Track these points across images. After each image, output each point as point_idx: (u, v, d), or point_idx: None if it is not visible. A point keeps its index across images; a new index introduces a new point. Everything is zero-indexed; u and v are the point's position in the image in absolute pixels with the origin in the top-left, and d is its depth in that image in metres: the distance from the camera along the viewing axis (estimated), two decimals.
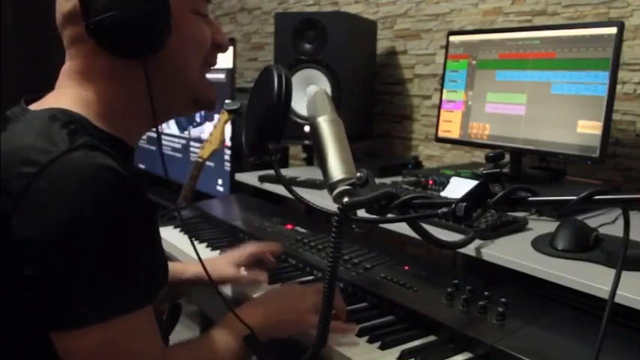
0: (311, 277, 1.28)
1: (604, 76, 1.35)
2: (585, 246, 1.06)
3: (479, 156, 1.91)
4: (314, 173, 1.68)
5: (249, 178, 1.85)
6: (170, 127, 2.71)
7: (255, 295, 1.16)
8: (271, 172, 1.38)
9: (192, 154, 2.52)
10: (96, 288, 0.71)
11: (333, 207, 0.86)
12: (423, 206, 0.83)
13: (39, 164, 0.70)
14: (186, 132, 2.58)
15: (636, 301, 0.87)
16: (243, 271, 1.22)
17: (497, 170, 0.76)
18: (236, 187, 2.07)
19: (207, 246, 1.52)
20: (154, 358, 0.79)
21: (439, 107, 1.78)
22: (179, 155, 2.65)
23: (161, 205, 2.32)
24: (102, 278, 0.72)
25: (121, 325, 0.73)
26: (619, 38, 1.34)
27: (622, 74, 1.51)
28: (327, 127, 0.91)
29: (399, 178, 1.69)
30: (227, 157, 2.28)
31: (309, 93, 0.96)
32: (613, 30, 1.35)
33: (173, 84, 0.87)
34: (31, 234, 0.69)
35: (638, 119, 1.55)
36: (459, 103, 1.71)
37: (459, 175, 1.52)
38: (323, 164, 0.90)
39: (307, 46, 1.95)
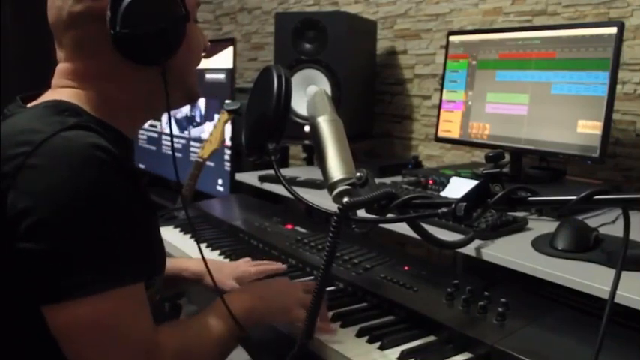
0: (311, 277, 1.28)
1: (604, 76, 1.35)
2: (585, 246, 1.06)
3: (479, 156, 1.91)
4: (314, 173, 1.68)
5: (249, 178, 1.85)
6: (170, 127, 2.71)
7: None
8: (271, 172, 1.38)
9: (192, 154, 2.52)
10: (87, 261, 0.73)
11: (333, 207, 0.86)
12: (423, 206, 0.83)
13: (32, 144, 0.73)
14: (186, 132, 2.58)
15: (636, 301, 0.87)
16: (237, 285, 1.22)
17: (497, 170, 0.76)
18: (236, 187, 2.07)
19: (207, 246, 1.52)
20: (143, 333, 0.80)
21: (439, 107, 1.78)
22: (179, 155, 2.64)
23: (161, 205, 2.32)
24: (93, 251, 0.73)
25: (112, 299, 0.74)
26: (619, 38, 1.34)
27: (622, 74, 1.51)
28: (327, 127, 0.92)
29: (399, 178, 1.69)
30: (227, 157, 2.28)
31: (309, 93, 0.96)
32: (613, 30, 1.35)
33: (176, 84, 0.91)
34: (25, 208, 0.71)
35: (638, 119, 1.55)
36: (458, 103, 1.71)
37: (459, 175, 1.52)
38: (323, 164, 0.90)
39: (307, 46, 1.95)
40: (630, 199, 0.69)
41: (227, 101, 1.74)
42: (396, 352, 0.94)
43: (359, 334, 1.01)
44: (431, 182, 1.56)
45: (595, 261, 1.03)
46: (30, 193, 0.71)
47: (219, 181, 2.33)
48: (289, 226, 1.56)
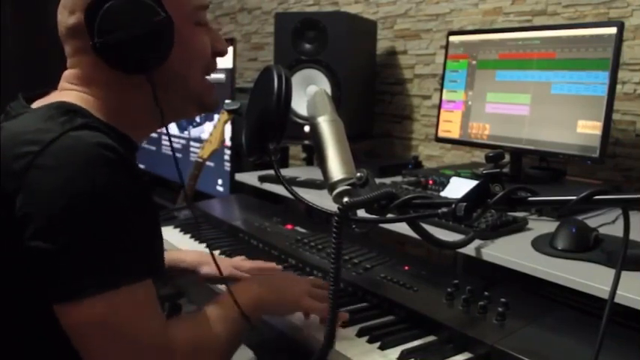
0: (311, 278, 1.28)
1: (604, 76, 1.35)
2: (585, 246, 1.06)
3: (479, 156, 1.91)
4: (314, 173, 1.68)
5: (249, 178, 1.85)
6: (170, 126, 2.71)
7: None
8: (271, 172, 1.38)
9: (192, 154, 2.52)
10: (97, 259, 0.73)
11: (333, 207, 0.86)
12: (423, 206, 0.83)
13: (40, 143, 0.73)
14: (186, 132, 2.58)
15: (636, 301, 0.87)
16: (236, 272, 1.22)
17: (497, 170, 0.76)
18: (236, 187, 2.07)
19: (207, 246, 1.52)
20: (155, 329, 0.80)
21: (439, 107, 1.78)
22: (179, 155, 2.65)
23: (161, 205, 2.32)
24: (103, 249, 0.73)
25: (123, 297, 0.74)
26: (619, 38, 1.34)
27: (622, 74, 1.51)
28: (327, 127, 0.92)
29: (399, 178, 1.69)
30: (227, 157, 2.28)
31: (309, 93, 0.96)
32: (613, 30, 1.35)
33: (176, 93, 0.90)
34: (34, 208, 0.71)
35: (638, 119, 1.55)
36: (458, 103, 1.71)
37: (459, 175, 1.52)
38: (323, 164, 0.90)
39: (307, 46, 1.95)
40: (630, 199, 0.69)
41: (227, 101, 1.73)
42: (396, 352, 0.94)
43: (359, 334, 1.01)
44: (431, 182, 1.56)
45: (595, 261, 1.03)
46: (39, 193, 0.72)
47: (219, 181, 2.33)
48: (289, 226, 1.56)
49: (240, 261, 1.29)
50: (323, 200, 0.92)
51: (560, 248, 1.08)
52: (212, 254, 0.98)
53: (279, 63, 1.58)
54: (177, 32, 0.85)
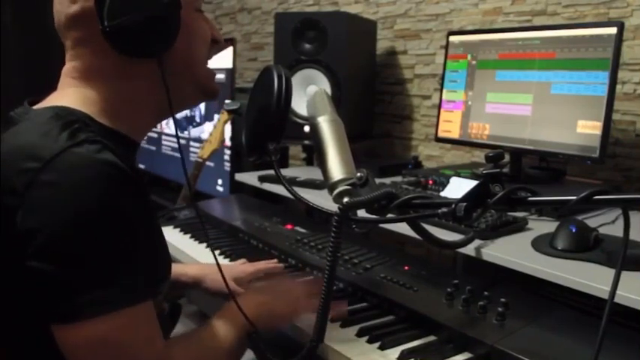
0: (311, 278, 1.28)
1: (604, 76, 1.35)
2: (585, 246, 1.06)
3: (479, 156, 1.91)
4: (314, 173, 1.68)
5: (249, 178, 1.85)
6: (170, 126, 2.71)
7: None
8: (271, 172, 1.38)
9: (192, 154, 2.52)
10: (99, 280, 0.72)
11: (333, 207, 0.86)
12: (423, 206, 0.83)
13: (42, 159, 0.72)
14: (186, 132, 2.58)
15: (636, 301, 0.87)
16: (237, 288, 1.22)
17: (497, 170, 0.76)
18: (236, 187, 2.07)
19: (207, 246, 1.52)
20: (155, 351, 0.79)
21: (439, 107, 1.78)
22: (179, 155, 2.65)
23: (161, 205, 2.32)
24: (105, 271, 0.72)
25: (123, 318, 0.73)
26: (619, 38, 1.34)
27: (622, 74, 1.51)
28: (327, 127, 0.92)
29: (399, 178, 1.69)
30: (227, 157, 2.28)
31: (309, 93, 0.96)
32: (613, 30, 1.35)
33: (183, 78, 0.89)
34: (36, 226, 0.70)
35: (638, 119, 1.55)
36: (458, 103, 1.71)
37: (458, 175, 1.52)
38: (323, 164, 0.90)
39: (307, 46, 1.95)
40: (630, 199, 0.69)
41: (227, 101, 1.73)
42: (396, 352, 0.94)
43: (359, 334, 1.01)
44: (431, 182, 1.56)
45: (595, 261, 1.03)
46: (40, 211, 0.70)
47: (219, 181, 2.33)
48: (289, 226, 1.56)
49: (241, 269, 1.27)
50: (323, 200, 0.92)
51: (560, 248, 1.08)
52: (219, 267, 0.96)
53: (279, 63, 1.58)
54: (183, 16, 0.84)
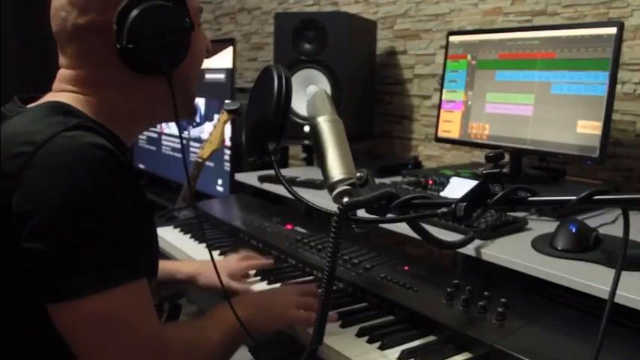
0: (311, 277, 1.28)
1: (604, 76, 1.35)
2: (585, 246, 1.06)
3: (479, 156, 1.91)
4: (314, 173, 1.68)
5: (249, 178, 1.85)
6: (170, 127, 2.71)
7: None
8: (271, 172, 1.38)
9: (192, 154, 2.52)
10: (94, 258, 0.73)
11: (333, 207, 0.86)
12: (423, 206, 0.83)
13: (35, 144, 0.74)
14: (186, 132, 2.58)
15: (636, 301, 0.87)
16: (232, 282, 1.23)
17: (497, 170, 0.76)
18: (236, 187, 2.07)
19: (207, 246, 1.52)
20: (149, 331, 0.80)
21: (439, 107, 1.78)
22: (179, 155, 2.65)
23: (161, 205, 2.32)
24: (99, 249, 0.73)
25: (119, 296, 0.75)
26: (619, 38, 1.34)
27: (622, 74, 1.51)
28: (326, 127, 0.91)
29: (399, 178, 1.69)
30: (227, 157, 2.28)
31: (309, 93, 0.96)
32: (613, 30, 1.35)
33: (180, 92, 0.90)
34: (30, 207, 0.72)
35: (638, 119, 1.55)
36: (458, 103, 1.71)
37: (458, 175, 1.52)
38: (323, 164, 0.90)
39: (307, 46, 1.95)
40: (630, 199, 0.69)
41: (227, 101, 1.74)
42: (396, 352, 0.94)
43: (359, 334, 1.01)
44: (431, 182, 1.56)
45: (595, 261, 1.03)
46: (33, 194, 0.72)
47: (219, 181, 2.33)
48: (289, 226, 1.56)
49: (235, 265, 1.28)
50: (323, 200, 0.92)
51: (560, 248, 1.08)
52: (215, 268, 0.97)
53: (279, 63, 1.58)
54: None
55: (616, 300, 0.75)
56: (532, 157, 1.65)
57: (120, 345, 0.76)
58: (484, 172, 0.76)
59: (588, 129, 1.38)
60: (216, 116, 2.26)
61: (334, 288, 1.20)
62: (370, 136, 2.19)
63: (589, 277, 0.96)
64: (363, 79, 2.10)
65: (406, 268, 1.21)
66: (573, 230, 1.09)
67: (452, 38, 1.75)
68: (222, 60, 2.24)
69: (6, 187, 0.73)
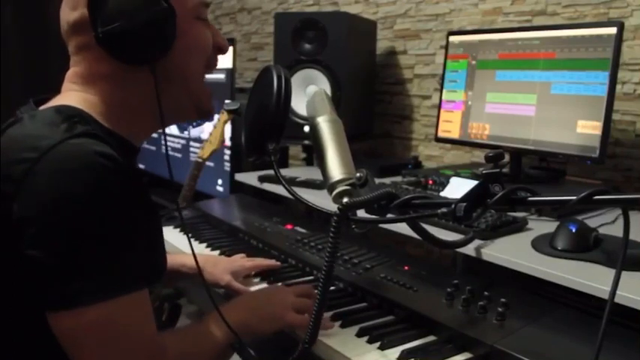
0: (311, 277, 1.28)
1: (604, 76, 1.35)
2: (585, 246, 1.06)
3: (479, 156, 1.91)
4: (314, 173, 1.67)
5: (249, 178, 1.85)
6: (170, 127, 2.71)
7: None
8: (271, 172, 1.38)
9: (192, 154, 2.52)
10: (93, 268, 0.73)
11: (332, 207, 0.86)
12: (423, 206, 0.83)
13: (40, 150, 0.73)
14: (185, 132, 2.58)
15: (636, 301, 0.87)
16: (233, 282, 1.23)
17: (497, 170, 0.76)
18: (236, 187, 2.07)
19: (207, 246, 1.52)
20: (148, 340, 0.80)
21: (439, 107, 1.78)
22: (179, 155, 2.65)
23: (161, 205, 2.32)
24: (99, 258, 0.73)
25: (119, 305, 0.74)
26: (619, 38, 1.34)
27: (622, 74, 1.51)
28: (326, 127, 0.91)
29: (399, 178, 1.69)
30: (227, 157, 2.28)
31: (309, 93, 0.96)
32: (613, 30, 1.35)
33: (177, 88, 0.90)
34: (32, 214, 0.71)
35: (638, 119, 1.55)
36: (458, 103, 1.71)
37: (458, 175, 1.52)
38: (323, 164, 0.90)
39: (307, 46, 1.95)
40: (630, 199, 0.69)
41: (227, 101, 1.73)
42: (396, 352, 0.94)
43: (359, 334, 1.01)
44: (431, 182, 1.56)
45: (595, 261, 1.03)
46: (36, 200, 0.71)
47: (219, 181, 2.33)
48: (289, 226, 1.56)
49: (240, 263, 1.29)
50: (323, 200, 0.92)
51: (560, 248, 1.08)
52: (200, 273, 0.98)
53: (279, 63, 1.58)
54: (179, 25, 0.85)
55: (616, 300, 0.75)
56: (532, 157, 1.64)
57: (118, 353, 0.76)
58: (484, 172, 0.76)
59: (588, 129, 1.38)
60: (216, 116, 2.26)
61: (334, 288, 1.20)
62: (370, 136, 2.19)
63: (589, 277, 0.96)
64: (363, 79, 2.10)
65: (406, 268, 1.21)
66: (573, 230, 1.09)
67: (452, 38, 1.75)
68: (223, 60, 2.23)
69: (9, 192, 0.72)
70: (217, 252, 1.47)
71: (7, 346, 0.78)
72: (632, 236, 0.72)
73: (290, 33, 1.95)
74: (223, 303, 0.97)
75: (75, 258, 0.72)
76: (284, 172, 1.14)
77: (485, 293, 1.03)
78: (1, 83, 2.67)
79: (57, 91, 0.91)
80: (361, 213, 0.87)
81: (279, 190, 1.68)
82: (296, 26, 1.95)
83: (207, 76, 0.96)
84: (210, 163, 2.20)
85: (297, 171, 1.96)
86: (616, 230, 1.15)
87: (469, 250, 1.13)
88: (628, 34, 1.49)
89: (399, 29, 2.16)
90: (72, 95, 0.87)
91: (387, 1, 2.19)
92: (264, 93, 0.92)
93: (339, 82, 1.91)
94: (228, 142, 2.21)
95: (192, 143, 2.54)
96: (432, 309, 1.03)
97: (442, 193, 1.47)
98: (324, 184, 0.89)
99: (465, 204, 0.75)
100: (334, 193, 0.86)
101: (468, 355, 0.93)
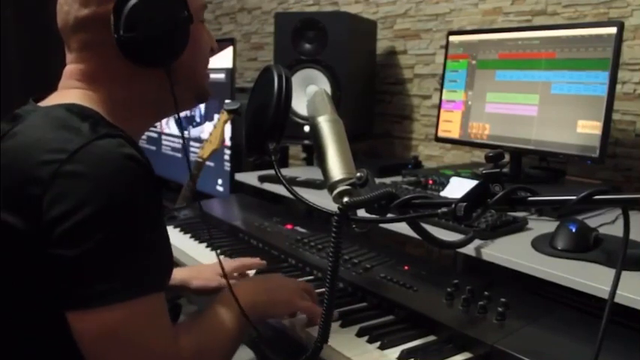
0: (311, 277, 1.28)
1: (604, 76, 1.35)
2: (585, 246, 1.06)
3: (479, 156, 1.91)
4: (314, 173, 1.68)
5: (249, 178, 1.85)
6: (170, 126, 2.71)
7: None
8: (271, 172, 1.38)
9: (192, 154, 2.52)
10: (116, 269, 0.74)
11: (333, 207, 0.86)
12: (423, 206, 0.83)
13: (67, 151, 0.74)
14: (186, 132, 2.58)
15: (636, 301, 0.87)
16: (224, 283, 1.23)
17: (497, 170, 0.76)
18: (236, 187, 2.07)
19: (207, 246, 1.52)
20: (166, 340, 0.81)
21: (439, 107, 1.78)
22: (179, 155, 2.65)
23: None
24: (122, 260, 0.74)
25: (140, 307, 0.75)
26: (619, 38, 1.34)
27: (622, 74, 1.51)
28: (327, 127, 0.91)
29: (399, 178, 1.69)
30: (227, 157, 2.28)
31: (309, 93, 0.96)
32: (613, 30, 1.35)
33: (185, 85, 0.92)
34: (60, 214, 0.72)
35: (638, 119, 1.55)
36: (458, 103, 1.71)
37: (458, 175, 1.52)
38: (323, 164, 0.90)
39: (307, 46, 1.95)
40: (630, 199, 0.69)
41: (227, 101, 1.73)
42: (396, 352, 0.94)
43: (359, 334, 1.01)
44: (431, 182, 1.56)
45: (595, 261, 1.03)
46: (65, 200, 0.72)
47: (219, 181, 2.33)
48: (289, 226, 1.56)
49: (226, 264, 1.27)
50: (323, 200, 0.92)
51: (560, 248, 1.08)
52: (226, 278, 0.97)
53: (279, 63, 1.57)
54: (190, 30, 0.88)
55: (616, 300, 0.75)
56: (532, 157, 1.64)
57: (135, 354, 0.77)
58: (484, 172, 0.76)
59: (588, 129, 1.38)
60: (216, 116, 2.26)
61: None
62: (370, 136, 2.19)
63: (589, 277, 0.96)
64: (363, 79, 2.10)
65: (406, 268, 1.21)
66: (573, 230, 1.09)
67: (452, 38, 1.75)
68: (222, 60, 2.24)
69: (36, 193, 0.72)
70: (217, 252, 1.47)
71: (22, 344, 0.78)
72: (632, 236, 0.72)
73: (290, 33, 1.95)
74: (224, 291, 0.96)
75: (101, 258, 0.72)
76: (284, 171, 1.14)
77: (486, 293, 1.03)
78: (1, 83, 2.67)
79: (56, 89, 0.91)
80: (361, 213, 0.87)
81: (279, 189, 1.68)
82: (296, 26, 1.95)
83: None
84: (210, 163, 2.20)
85: (297, 171, 1.96)
86: (616, 230, 1.15)
87: (469, 250, 1.13)
88: (628, 34, 1.49)
89: (399, 29, 2.16)
90: (76, 93, 0.87)
91: (387, 1, 2.19)
92: (265, 93, 0.92)
93: (339, 82, 1.91)
94: (228, 142, 2.21)
95: (192, 143, 2.54)
96: (432, 309, 1.03)
97: (442, 193, 1.47)
98: (325, 183, 0.89)
99: (465, 204, 0.75)
100: (335, 192, 0.86)
101: (468, 355, 0.93)
